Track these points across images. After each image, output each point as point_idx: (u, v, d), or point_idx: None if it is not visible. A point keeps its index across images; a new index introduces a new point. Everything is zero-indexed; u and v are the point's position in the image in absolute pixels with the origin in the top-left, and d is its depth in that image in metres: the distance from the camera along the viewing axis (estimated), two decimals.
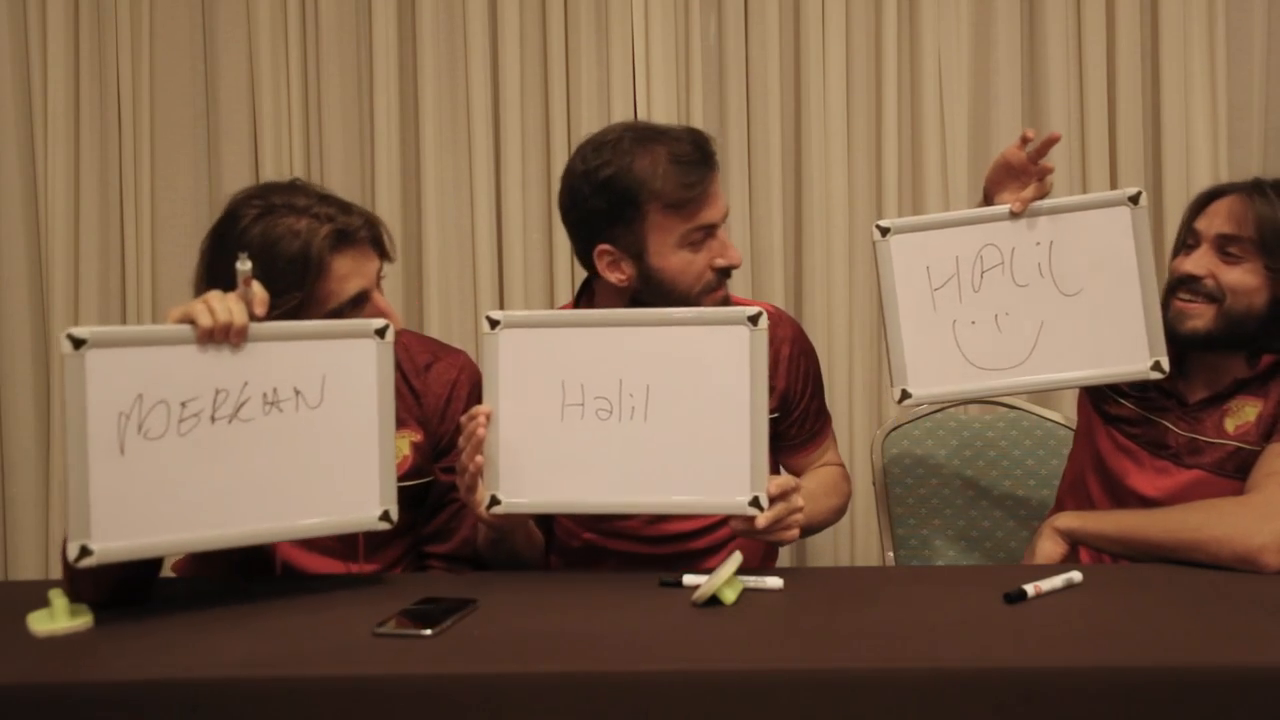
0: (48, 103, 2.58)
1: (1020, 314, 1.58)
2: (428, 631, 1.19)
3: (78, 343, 1.24)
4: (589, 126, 2.59)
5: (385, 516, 1.40)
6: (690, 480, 1.42)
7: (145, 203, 2.62)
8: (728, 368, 1.42)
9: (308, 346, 1.37)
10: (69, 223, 2.60)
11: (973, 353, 1.59)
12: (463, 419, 1.45)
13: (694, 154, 1.58)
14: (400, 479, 1.45)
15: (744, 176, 2.63)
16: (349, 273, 1.48)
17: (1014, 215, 1.59)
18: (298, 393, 1.36)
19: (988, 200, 1.66)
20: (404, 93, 2.63)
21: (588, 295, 1.74)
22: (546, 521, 1.73)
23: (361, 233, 1.49)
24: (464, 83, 2.62)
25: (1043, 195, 1.61)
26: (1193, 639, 1.17)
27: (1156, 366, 1.56)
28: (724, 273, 1.64)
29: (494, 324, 1.45)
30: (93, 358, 1.25)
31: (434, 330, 2.61)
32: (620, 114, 2.59)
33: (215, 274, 1.44)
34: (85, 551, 1.24)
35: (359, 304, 1.49)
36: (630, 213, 1.57)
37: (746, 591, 1.33)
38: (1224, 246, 1.61)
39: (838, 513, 1.80)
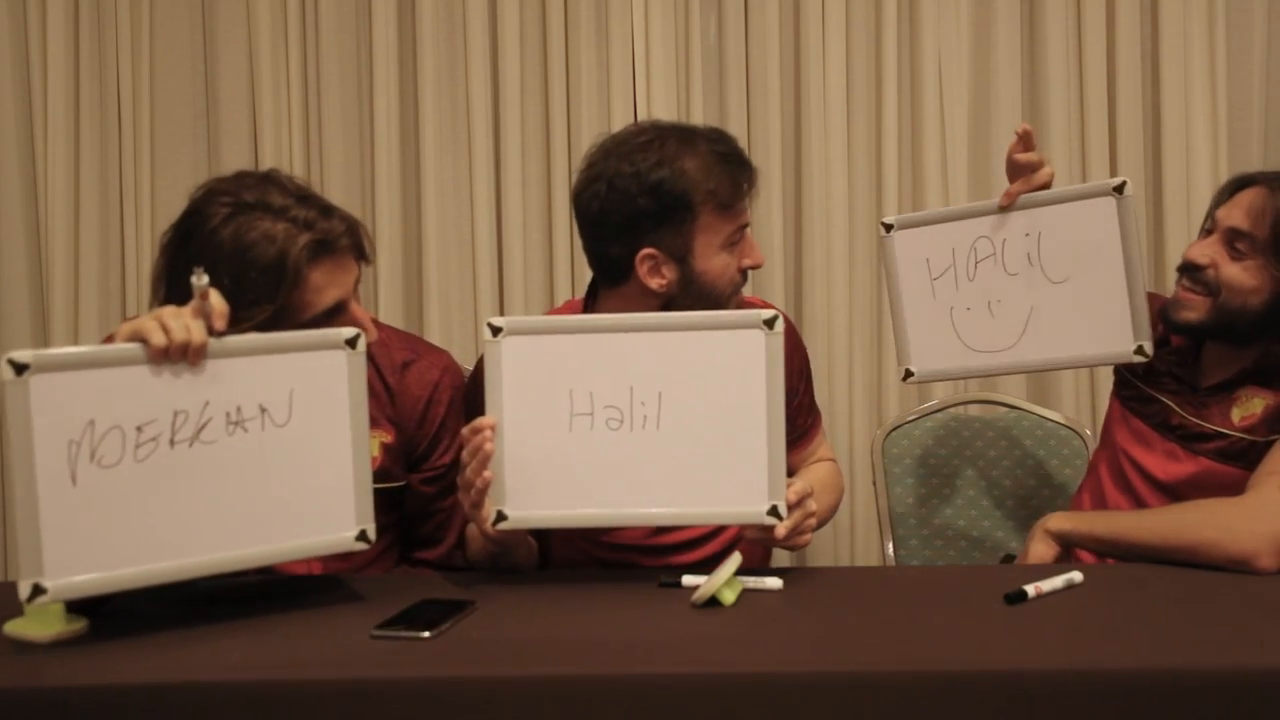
0: (48, 103, 2.58)
1: (1011, 301, 1.67)
2: (426, 634, 1.19)
3: (19, 368, 1.16)
4: (589, 126, 2.59)
5: (362, 536, 1.34)
6: (706, 490, 1.38)
7: (145, 203, 2.62)
8: (743, 373, 1.37)
9: (273, 361, 1.29)
10: (69, 223, 2.60)
11: (968, 336, 1.70)
12: (465, 432, 1.38)
13: (736, 152, 1.57)
14: None
15: None
16: (326, 284, 1.39)
17: (1002, 209, 1.67)
18: (263, 410, 1.28)
19: None
20: (404, 93, 2.63)
21: (593, 307, 1.67)
22: (541, 535, 1.69)
23: (343, 240, 1.41)
24: (464, 83, 2.62)
25: (1034, 189, 1.66)
26: (1192, 640, 1.17)
27: (1140, 350, 1.60)
28: (745, 275, 1.63)
29: (496, 331, 1.38)
30: (37, 383, 1.16)
31: (434, 332, 2.61)
32: (620, 114, 2.58)
33: (177, 276, 1.34)
34: (38, 590, 1.17)
35: (335, 315, 1.40)
36: (683, 214, 1.52)
37: (746, 592, 1.33)
38: (1233, 241, 1.60)
39: (835, 509, 1.80)
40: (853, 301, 2.64)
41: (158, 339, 1.21)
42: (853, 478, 2.64)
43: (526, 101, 2.62)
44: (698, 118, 2.59)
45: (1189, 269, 1.64)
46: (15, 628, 1.23)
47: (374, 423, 1.45)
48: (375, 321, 1.49)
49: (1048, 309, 1.65)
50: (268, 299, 1.35)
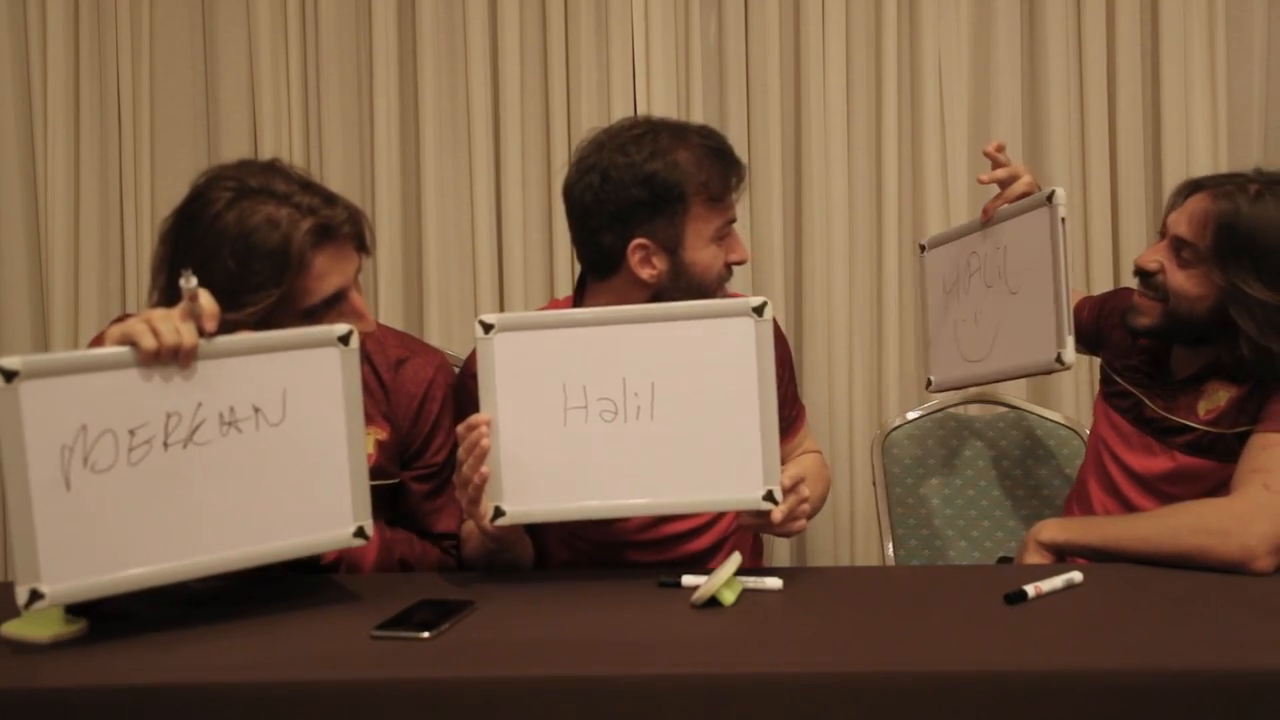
0: (48, 103, 2.59)
1: (986, 313, 1.73)
2: (425, 634, 1.19)
3: (9, 375, 1.15)
4: (589, 126, 2.57)
5: (360, 533, 1.34)
6: (702, 478, 1.39)
7: (145, 203, 2.62)
8: (734, 360, 1.38)
9: (265, 360, 1.28)
10: (69, 223, 2.60)
11: (963, 346, 1.77)
12: (460, 429, 1.38)
13: (725, 148, 1.60)
14: None
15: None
16: (328, 271, 1.39)
17: (983, 224, 1.74)
18: (257, 410, 1.27)
19: None
20: (404, 93, 2.63)
21: (581, 294, 1.71)
22: (536, 535, 1.70)
23: (345, 228, 1.41)
24: (464, 83, 2.62)
25: (1011, 201, 1.71)
26: (1192, 640, 1.17)
27: (1059, 359, 1.61)
28: (730, 269, 1.66)
29: (488, 328, 1.38)
30: (27, 390, 1.16)
31: (434, 332, 2.61)
32: (620, 113, 2.58)
33: (180, 260, 1.33)
34: (36, 595, 1.17)
35: (335, 303, 1.40)
36: (675, 205, 1.55)
37: (746, 592, 1.33)
38: (1179, 249, 1.62)
39: (824, 500, 1.82)
40: (853, 301, 2.64)
41: (148, 342, 1.20)
42: (853, 478, 2.64)
43: (526, 101, 2.62)
44: (698, 117, 2.59)
45: (1140, 274, 1.66)
46: (14, 628, 1.23)
47: (369, 420, 1.45)
48: None
49: (1007, 320, 1.69)
50: (273, 283, 1.34)
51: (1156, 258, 1.64)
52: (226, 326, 1.28)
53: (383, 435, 1.55)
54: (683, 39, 2.62)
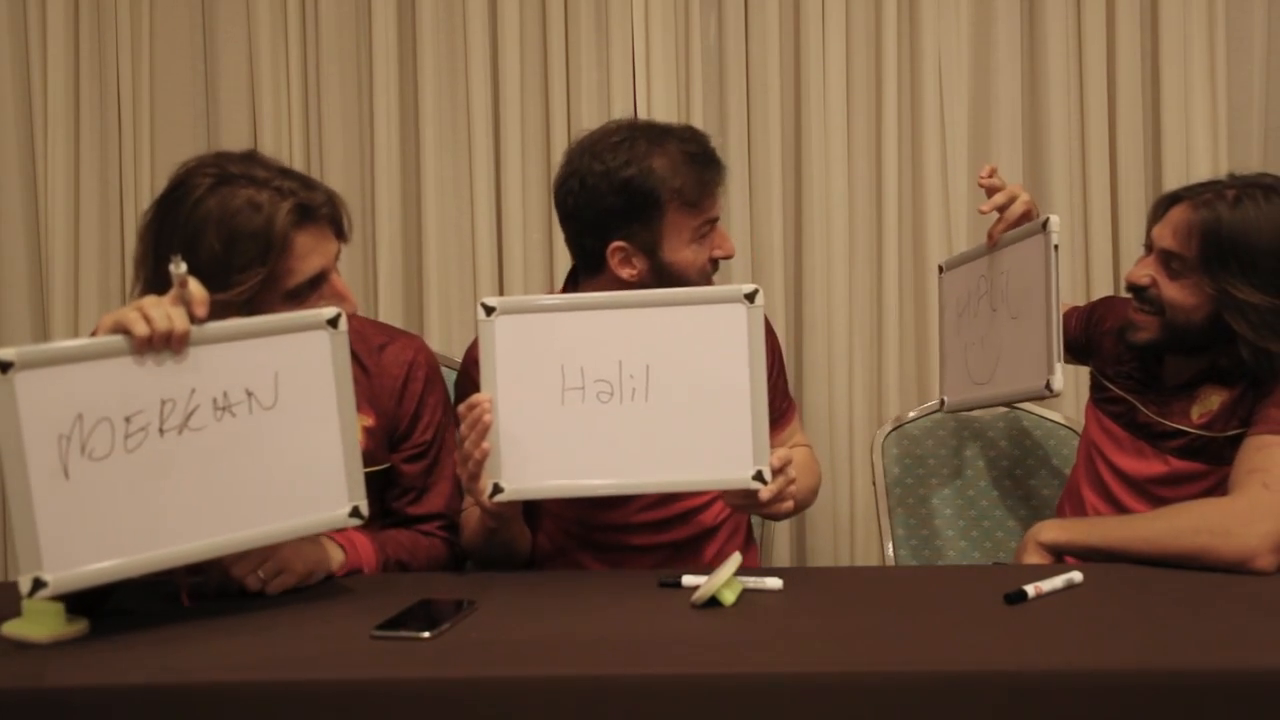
0: (48, 103, 2.58)
1: (990, 337, 1.74)
2: (425, 634, 1.19)
3: (4, 366, 1.15)
4: (589, 126, 2.57)
5: (355, 512, 1.36)
6: (693, 458, 1.42)
7: (145, 203, 2.58)
8: (726, 345, 1.42)
9: (256, 345, 1.30)
10: (69, 223, 2.60)
11: (972, 369, 1.77)
12: (461, 408, 1.42)
13: (705, 151, 1.64)
14: None
15: (744, 176, 2.62)
16: (310, 251, 1.42)
17: (989, 249, 1.75)
18: (250, 394, 1.29)
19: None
20: (404, 93, 2.63)
21: (573, 287, 1.75)
22: (532, 521, 1.73)
23: (323, 210, 1.44)
24: (464, 83, 2.62)
25: (1011, 224, 1.72)
26: (1193, 640, 1.17)
27: (1048, 386, 1.61)
28: (716, 263, 1.70)
29: (489, 310, 1.41)
30: (23, 380, 1.16)
31: (434, 331, 2.61)
32: (620, 114, 2.57)
33: (165, 248, 1.34)
34: (39, 584, 1.18)
35: (317, 284, 1.43)
36: (650, 211, 1.59)
37: (746, 592, 1.33)
38: (1168, 261, 1.63)
39: (815, 492, 1.84)
40: (853, 301, 2.64)
41: (140, 329, 1.21)
42: (853, 478, 2.64)
43: (526, 101, 2.62)
44: (697, 117, 2.60)
45: (1133, 290, 1.67)
46: (14, 628, 1.23)
47: (355, 407, 1.46)
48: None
49: (1007, 345, 1.70)
50: (259, 262, 1.37)
51: (1147, 272, 1.65)
52: (216, 309, 1.29)
53: (369, 421, 1.57)
54: (683, 39, 2.62)
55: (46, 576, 1.18)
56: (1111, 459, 1.74)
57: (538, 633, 1.22)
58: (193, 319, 1.25)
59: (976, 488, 2.16)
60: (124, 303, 2.61)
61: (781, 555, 2.64)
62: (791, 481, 1.46)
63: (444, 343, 2.61)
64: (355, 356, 1.56)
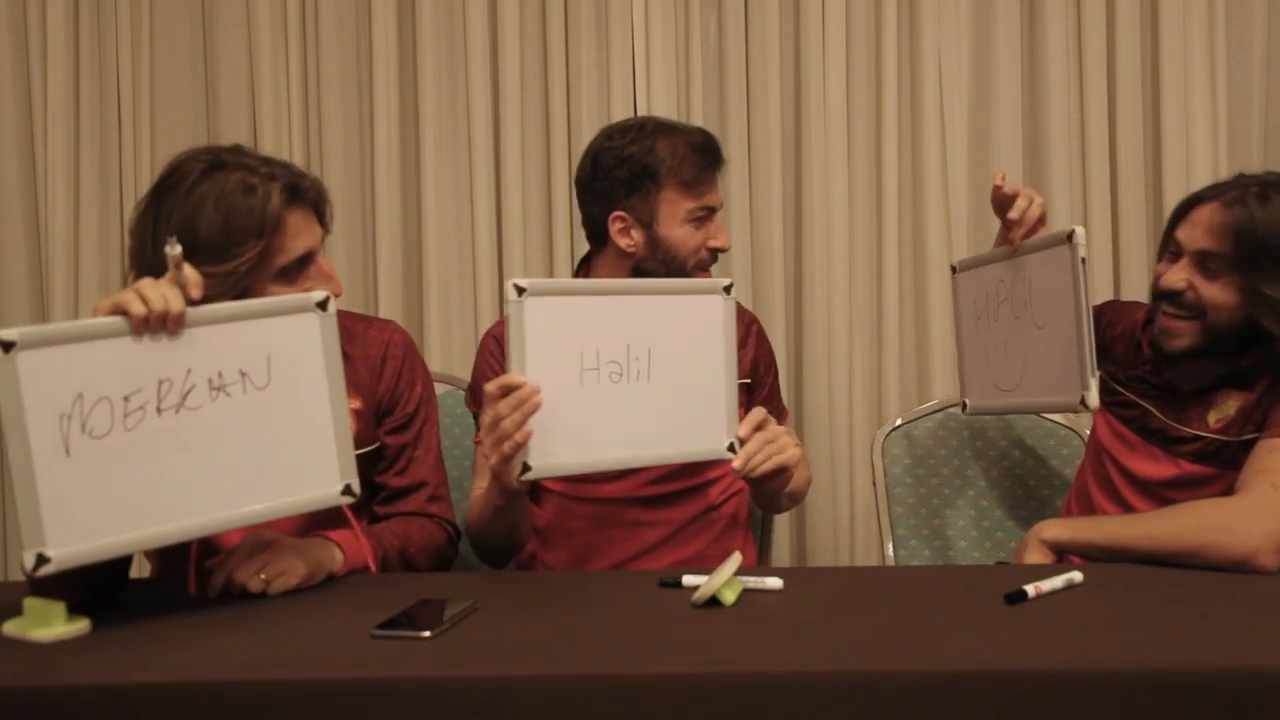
0: (48, 103, 2.59)
1: (1015, 344, 1.73)
2: (426, 633, 1.19)
3: (7, 345, 1.18)
4: (589, 126, 2.59)
5: (348, 490, 1.39)
6: (682, 433, 1.53)
7: None
8: (707, 331, 1.54)
9: (248, 327, 1.33)
10: (69, 223, 2.61)
11: (996, 374, 1.77)
12: (492, 387, 1.42)
13: (707, 145, 1.79)
14: None
15: (744, 176, 2.63)
16: (300, 230, 1.48)
17: (1010, 255, 1.73)
18: (244, 375, 1.32)
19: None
20: (404, 93, 2.63)
21: (585, 269, 1.89)
22: (533, 495, 1.80)
23: (310, 193, 1.51)
24: (464, 83, 2.62)
25: (1031, 227, 1.70)
26: (1193, 639, 1.17)
27: (1083, 402, 1.60)
28: (714, 255, 1.82)
29: (521, 291, 1.43)
30: (25, 359, 1.19)
31: (434, 332, 2.61)
32: (620, 114, 2.59)
33: (163, 230, 1.41)
34: (42, 559, 1.19)
35: (305, 265, 1.49)
36: (648, 185, 1.76)
37: (746, 592, 1.33)
38: (1204, 262, 1.61)
39: (808, 482, 1.96)
40: (853, 301, 2.65)
41: (137, 308, 1.24)
42: (853, 478, 2.64)
43: (526, 101, 2.62)
44: (697, 117, 2.60)
45: (1168, 295, 1.64)
46: (15, 627, 1.23)
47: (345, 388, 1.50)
48: None
49: (1034, 354, 1.69)
50: (255, 236, 1.43)
51: (1183, 276, 1.62)
52: (216, 280, 1.37)
53: (356, 404, 1.60)
54: (683, 39, 2.62)
55: (50, 552, 1.20)
56: (1121, 461, 1.74)
57: (538, 632, 1.22)
58: (188, 300, 1.29)
59: (977, 488, 2.16)
60: None
61: (781, 555, 2.65)
62: (771, 442, 1.54)
63: (444, 343, 2.62)
64: None
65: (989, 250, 1.82)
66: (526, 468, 1.44)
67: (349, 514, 1.52)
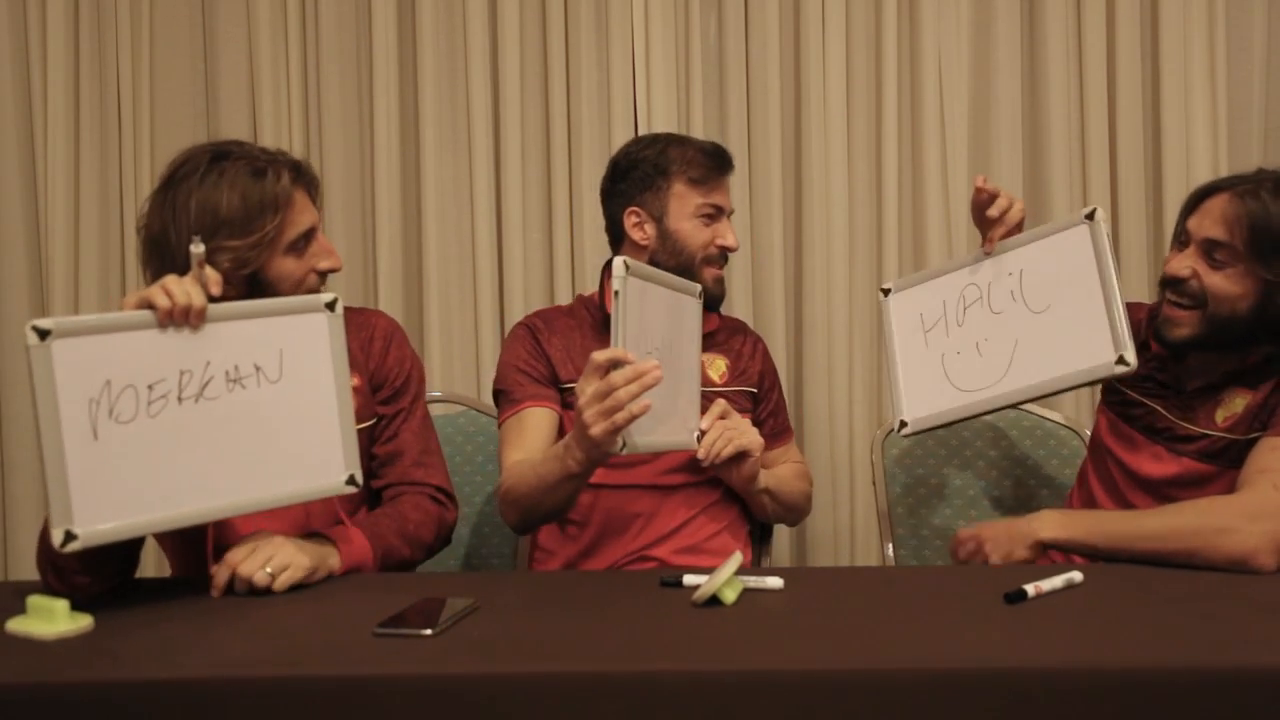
0: (48, 103, 2.59)
1: (997, 338, 1.73)
2: (428, 631, 1.19)
3: (43, 334, 1.27)
4: (589, 126, 2.59)
5: (351, 480, 1.47)
6: (675, 422, 1.66)
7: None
8: (687, 332, 1.70)
9: (263, 324, 1.42)
10: (69, 223, 2.61)
11: (957, 378, 1.76)
12: (599, 357, 1.47)
13: (718, 151, 1.95)
14: None
15: (744, 176, 2.63)
16: (305, 207, 1.57)
17: (987, 255, 1.76)
18: (258, 369, 1.41)
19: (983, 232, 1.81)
20: (404, 93, 2.63)
21: (608, 273, 1.91)
22: None
23: (308, 174, 1.61)
24: (464, 83, 2.62)
25: (1010, 229, 1.74)
26: (1193, 639, 1.17)
27: (1121, 360, 1.59)
28: (723, 254, 1.94)
29: (628, 267, 1.52)
30: (59, 347, 1.27)
31: (434, 332, 2.61)
32: (620, 114, 2.59)
33: (182, 219, 1.48)
34: (70, 536, 1.26)
35: (309, 239, 1.58)
36: (659, 181, 1.90)
37: (746, 591, 1.33)
38: (1211, 251, 1.61)
39: (807, 498, 2.01)
40: (852, 302, 2.65)
41: (162, 301, 1.33)
42: (853, 478, 2.64)
43: (526, 101, 2.62)
44: (697, 117, 2.60)
45: (1172, 283, 1.65)
46: (19, 625, 1.24)
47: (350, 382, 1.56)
48: None
49: (1031, 338, 1.69)
50: (271, 210, 1.51)
51: (1187, 264, 1.63)
52: (238, 255, 1.48)
53: (356, 381, 1.65)
54: (683, 39, 2.62)
55: (77, 530, 1.27)
56: (1124, 460, 1.74)
57: (539, 630, 1.22)
58: (209, 297, 1.37)
59: (977, 488, 2.16)
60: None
61: (781, 555, 2.65)
62: (730, 429, 1.72)
63: (444, 343, 2.62)
64: None
65: (929, 269, 1.88)
66: (623, 443, 1.50)
67: (343, 514, 1.54)
